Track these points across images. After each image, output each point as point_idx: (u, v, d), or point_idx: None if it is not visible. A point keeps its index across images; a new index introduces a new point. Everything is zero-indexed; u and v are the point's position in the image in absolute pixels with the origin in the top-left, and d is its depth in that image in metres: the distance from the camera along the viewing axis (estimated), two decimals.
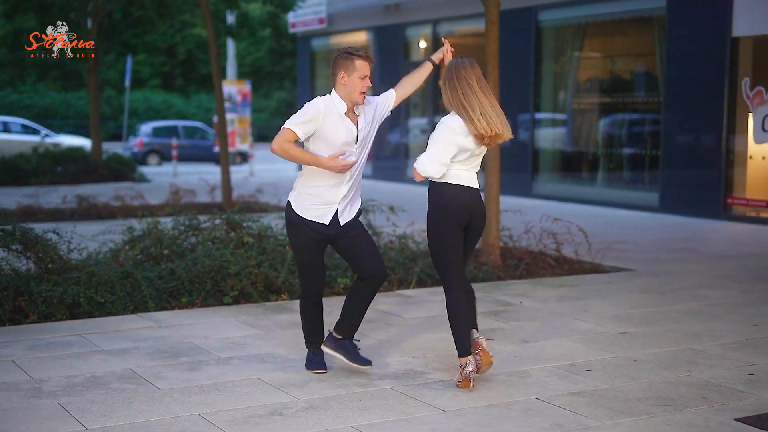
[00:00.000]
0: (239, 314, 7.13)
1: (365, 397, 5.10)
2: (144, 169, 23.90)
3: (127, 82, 29.00)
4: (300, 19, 23.77)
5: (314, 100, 5.25)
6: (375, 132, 5.48)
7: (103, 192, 16.51)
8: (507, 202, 11.78)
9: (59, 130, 37.44)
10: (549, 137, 17.54)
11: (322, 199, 5.29)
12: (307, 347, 5.66)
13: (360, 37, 22.40)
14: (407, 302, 7.63)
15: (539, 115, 17.34)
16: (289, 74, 50.80)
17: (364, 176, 21.94)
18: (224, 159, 15.27)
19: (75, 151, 21.68)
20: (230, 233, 8.43)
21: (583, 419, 4.75)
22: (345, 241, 5.38)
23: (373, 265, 5.36)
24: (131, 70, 28.90)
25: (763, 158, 13.51)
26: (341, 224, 5.34)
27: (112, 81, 44.96)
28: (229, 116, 26.93)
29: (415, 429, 4.60)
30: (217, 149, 26.98)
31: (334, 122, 5.20)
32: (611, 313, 7.30)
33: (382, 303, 7.51)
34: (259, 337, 6.45)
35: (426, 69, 5.72)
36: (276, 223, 9.04)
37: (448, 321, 5.33)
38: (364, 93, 5.33)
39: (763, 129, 13.19)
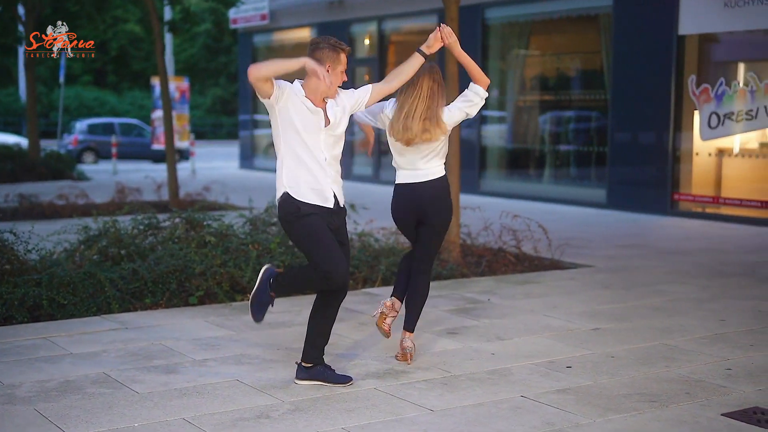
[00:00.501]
0: (207, 315, 6.99)
1: (351, 398, 5.02)
2: (81, 167, 23.39)
3: (62, 79, 28.35)
4: (241, 14, 23.52)
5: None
6: (347, 121, 5.32)
7: (44, 191, 16.14)
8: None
9: None
10: (495, 134, 17.63)
11: (314, 184, 5.07)
12: (311, 362, 5.28)
13: (303, 34, 22.27)
14: (375, 300, 7.55)
15: (486, 113, 17.41)
16: (224, 70, 50.29)
17: None
18: (170, 156, 15.01)
19: (10, 149, 21.12)
20: (191, 232, 8.29)
21: (573, 417, 4.74)
22: None
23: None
24: (62, 67, 28.22)
25: (710, 155, 13.73)
26: (341, 205, 5.21)
27: (41, 77, 43.99)
28: None
29: (407, 430, 4.54)
30: (155, 147, 26.62)
31: (298, 106, 5.04)
32: (580, 309, 7.33)
33: (350, 302, 7.41)
34: (231, 338, 6.32)
35: (414, 61, 5.45)
36: (237, 221, 8.88)
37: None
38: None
39: (710, 126, 13.42)
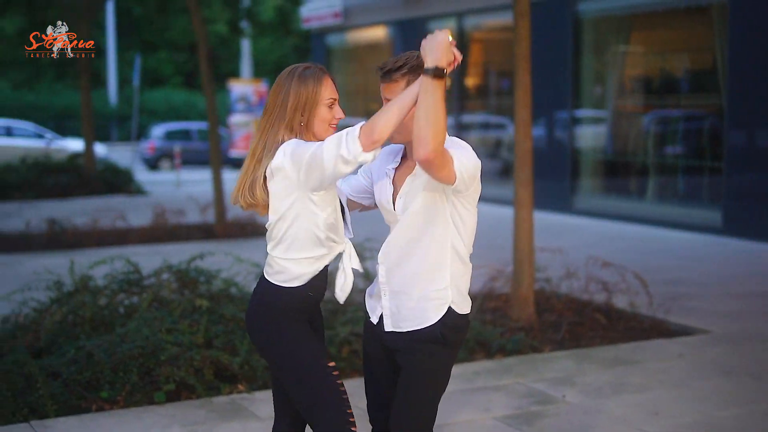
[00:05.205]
0: (172, 425, 5.12)
1: None
2: (153, 176, 21.90)
3: (136, 82, 27.09)
4: (314, 13, 21.76)
5: None
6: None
7: (87, 209, 14.67)
8: (542, 219, 9.69)
9: (75, 132, 35.49)
10: (590, 140, 15.36)
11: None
12: None
13: (378, 33, 20.40)
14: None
15: (579, 112, 15.15)
16: None
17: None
18: (216, 173, 13.27)
19: (66, 163, 19.70)
20: (184, 291, 6.49)
21: None
22: None
23: None
24: (140, 69, 26.87)
25: None
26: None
27: (130, 79, 43.21)
28: (243, 118, 25.06)
29: None
30: (232, 153, 25.12)
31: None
32: (691, 417, 5.22)
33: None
34: None
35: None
36: (244, 278, 6.96)
37: None
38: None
39: None
